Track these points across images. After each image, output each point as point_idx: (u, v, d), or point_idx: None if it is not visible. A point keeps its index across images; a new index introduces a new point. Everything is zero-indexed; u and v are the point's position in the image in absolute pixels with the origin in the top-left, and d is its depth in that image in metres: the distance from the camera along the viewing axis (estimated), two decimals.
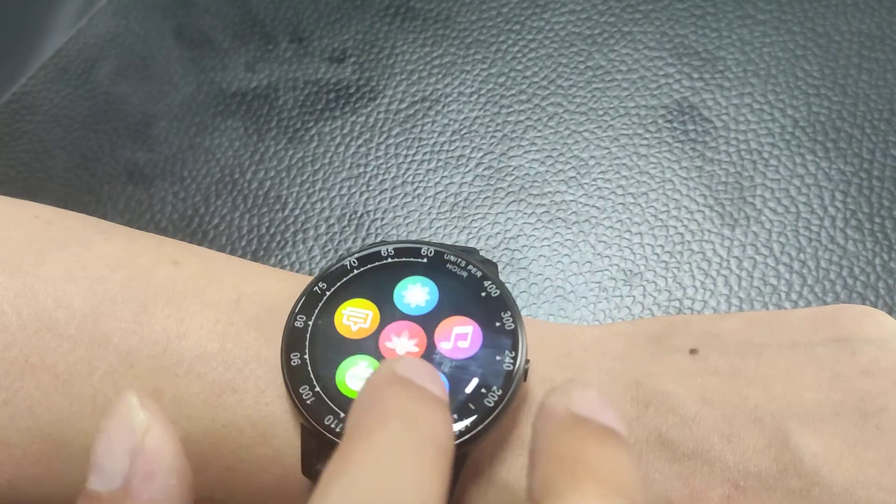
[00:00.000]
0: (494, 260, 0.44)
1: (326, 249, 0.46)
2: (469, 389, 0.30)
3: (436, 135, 0.49)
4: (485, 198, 0.47)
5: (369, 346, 0.31)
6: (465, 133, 0.49)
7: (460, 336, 0.31)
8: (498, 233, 0.46)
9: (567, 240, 0.46)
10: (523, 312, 0.39)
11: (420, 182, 0.48)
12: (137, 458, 0.24)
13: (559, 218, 0.46)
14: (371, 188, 0.48)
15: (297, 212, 0.47)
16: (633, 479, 0.22)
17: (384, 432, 0.22)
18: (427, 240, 0.44)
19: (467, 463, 0.30)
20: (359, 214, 0.47)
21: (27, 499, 0.32)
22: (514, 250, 0.46)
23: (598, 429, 0.23)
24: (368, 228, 0.47)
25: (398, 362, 0.24)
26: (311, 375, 0.30)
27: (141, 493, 0.24)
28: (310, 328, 0.31)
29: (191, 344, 0.31)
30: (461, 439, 0.29)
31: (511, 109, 0.50)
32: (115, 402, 0.25)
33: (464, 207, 0.47)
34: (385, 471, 0.21)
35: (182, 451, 0.25)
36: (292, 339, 0.31)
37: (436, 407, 0.24)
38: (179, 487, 0.25)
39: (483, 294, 0.31)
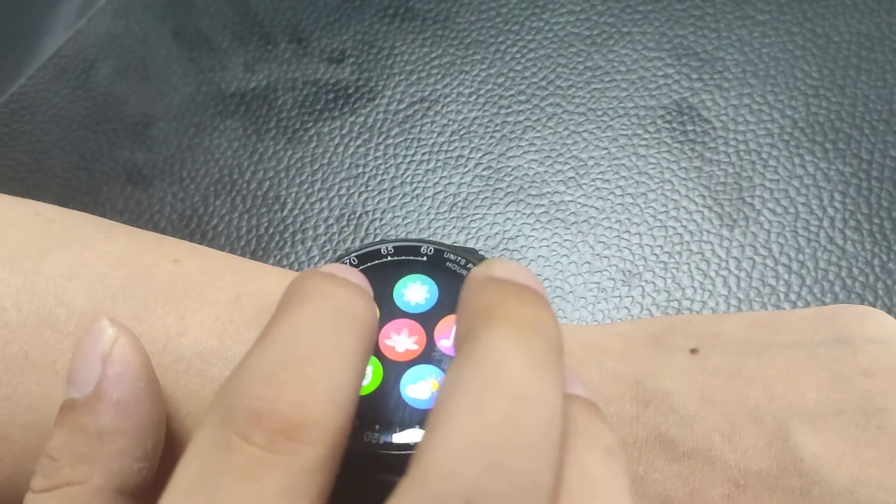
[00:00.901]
0: None
1: (325, 250, 0.46)
2: None
3: (435, 135, 0.49)
4: (484, 198, 0.47)
5: None
6: (464, 133, 0.49)
7: (444, 334, 0.31)
8: (497, 233, 0.46)
9: (566, 240, 0.46)
10: None
11: (419, 182, 0.48)
12: (106, 363, 0.27)
13: (558, 218, 0.46)
14: (370, 188, 0.48)
15: (296, 212, 0.47)
16: (549, 321, 0.23)
17: (303, 304, 0.23)
18: (427, 238, 0.44)
19: None
20: (358, 215, 0.47)
21: (25, 494, 0.32)
22: (513, 251, 0.46)
23: (516, 285, 0.24)
24: (367, 229, 0.47)
25: (320, 266, 0.26)
26: None
27: (111, 394, 0.27)
28: None
29: (191, 341, 0.31)
30: None
31: (510, 110, 0.50)
32: (93, 321, 0.28)
33: (462, 208, 0.47)
34: (302, 328, 0.23)
35: (149, 361, 0.28)
36: None
37: (352, 288, 0.24)
38: (147, 390, 0.27)
39: None
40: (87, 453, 0.26)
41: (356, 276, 0.25)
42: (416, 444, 0.28)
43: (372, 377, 0.30)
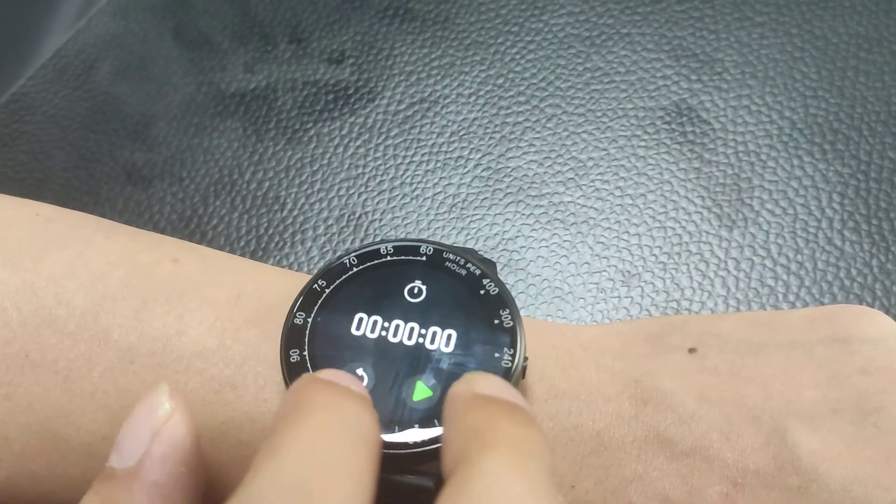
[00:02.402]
0: (493, 260, 0.44)
1: (325, 250, 0.46)
2: None
3: (434, 136, 0.50)
4: (483, 199, 0.47)
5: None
6: (464, 134, 0.49)
7: (444, 338, 0.31)
8: (496, 234, 0.46)
9: (565, 241, 0.46)
10: (521, 313, 0.39)
11: (418, 183, 0.48)
12: (154, 441, 0.26)
13: (557, 219, 0.46)
14: (369, 189, 0.48)
15: (295, 212, 0.47)
16: (541, 444, 0.23)
17: (310, 420, 0.23)
18: (426, 238, 0.44)
19: None
20: (357, 215, 0.47)
21: (26, 494, 0.32)
22: (513, 251, 0.46)
23: (504, 403, 0.24)
24: (367, 229, 0.47)
25: (320, 372, 0.26)
26: (311, 372, 0.30)
27: (150, 475, 0.26)
28: (309, 325, 0.31)
29: (190, 340, 0.31)
30: None
31: (509, 111, 0.50)
32: (150, 390, 0.27)
33: (462, 208, 0.47)
34: (312, 451, 0.22)
35: (198, 446, 0.27)
36: (292, 336, 0.31)
37: (358, 401, 0.24)
38: (188, 477, 0.26)
39: (482, 292, 0.31)
40: None
41: (358, 386, 0.25)
42: (414, 443, 0.28)
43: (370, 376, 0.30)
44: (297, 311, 0.31)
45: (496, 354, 0.30)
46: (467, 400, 0.24)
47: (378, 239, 0.46)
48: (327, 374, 0.25)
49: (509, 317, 0.31)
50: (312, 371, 0.30)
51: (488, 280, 0.32)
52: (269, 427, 0.24)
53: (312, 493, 0.21)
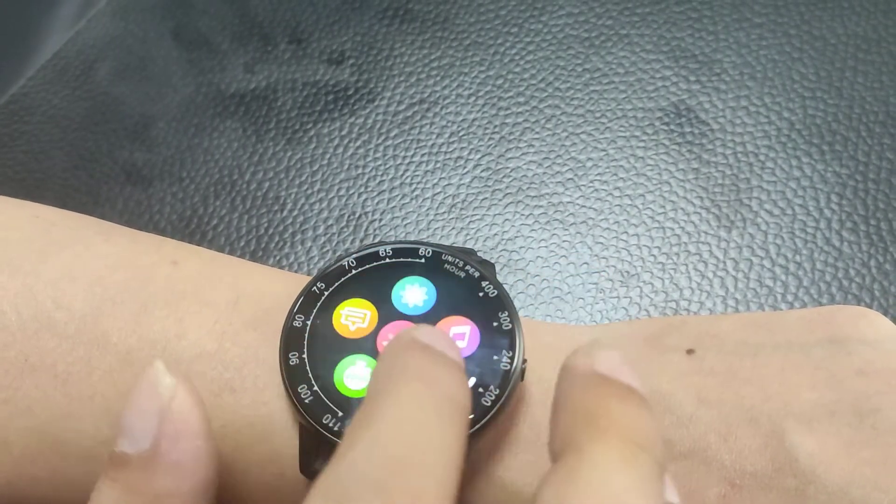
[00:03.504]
0: (492, 261, 0.44)
1: (325, 250, 0.46)
2: None
3: (434, 136, 0.50)
4: (482, 199, 0.47)
5: (367, 345, 0.31)
6: (463, 135, 0.49)
7: (458, 336, 0.31)
8: (495, 234, 0.46)
9: (564, 241, 0.46)
10: (521, 313, 0.39)
11: (418, 183, 0.48)
12: (165, 420, 0.25)
13: (556, 219, 0.46)
14: (369, 189, 0.48)
15: (295, 213, 0.47)
16: (654, 435, 0.23)
17: (406, 390, 0.23)
18: (425, 240, 0.44)
19: (465, 463, 0.30)
20: (357, 215, 0.47)
21: (25, 498, 0.32)
22: (512, 251, 0.46)
23: (620, 386, 0.23)
24: (367, 229, 0.47)
25: (417, 329, 0.25)
26: (310, 375, 0.30)
27: (169, 454, 0.25)
28: (308, 328, 0.31)
29: (189, 343, 0.31)
30: None
31: (509, 111, 0.50)
32: (145, 369, 0.26)
33: (462, 209, 0.47)
34: (407, 425, 0.22)
35: (206, 415, 0.26)
36: (291, 339, 0.31)
37: (454, 370, 0.24)
38: (205, 449, 0.26)
39: (481, 294, 0.32)
40: None
41: (453, 349, 0.25)
42: None
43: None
44: (296, 313, 0.31)
45: (495, 357, 0.30)
46: (584, 376, 0.24)
47: (378, 239, 0.46)
48: (425, 334, 0.24)
49: (508, 319, 0.31)
50: (311, 373, 0.30)
51: (487, 282, 0.32)
52: (368, 388, 0.24)
53: (408, 468, 0.21)
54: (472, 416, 0.29)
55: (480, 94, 0.51)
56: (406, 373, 0.23)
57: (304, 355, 0.30)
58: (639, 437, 0.22)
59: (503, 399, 0.29)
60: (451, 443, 0.22)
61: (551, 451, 0.23)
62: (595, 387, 0.23)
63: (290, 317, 0.31)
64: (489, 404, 0.29)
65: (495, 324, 0.31)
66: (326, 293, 0.32)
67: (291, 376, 0.30)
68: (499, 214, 0.47)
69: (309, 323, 0.31)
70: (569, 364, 0.24)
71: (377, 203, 0.48)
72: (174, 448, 0.25)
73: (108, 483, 0.26)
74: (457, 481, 0.22)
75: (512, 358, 0.30)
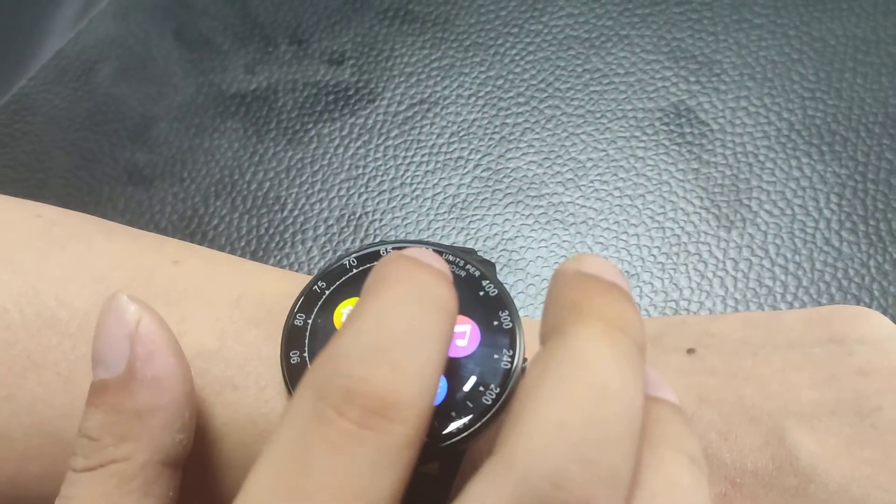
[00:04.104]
0: (492, 261, 0.44)
1: (325, 250, 0.46)
2: (467, 387, 0.30)
3: (434, 137, 0.50)
4: (483, 199, 0.47)
5: None
6: (464, 135, 0.50)
7: (458, 335, 0.31)
8: (496, 234, 0.46)
9: (564, 241, 0.46)
10: (521, 313, 0.39)
11: (418, 184, 0.48)
12: (135, 342, 0.27)
13: (557, 219, 0.47)
14: (370, 189, 0.48)
15: (296, 213, 0.48)
16: (635, 321, 0.24)
17: (391, 290, 0.24)
18: (426, 240, 0.44)
19: (465, 460, 0.30)
20: (357, 215, 0.47)
21: (28, 495, 0.32)
22: (512, 251, 0.46)
23: (605, 282, 0.25)
24: (367, 229, 0.47)
25: (406, 249, 0.26)
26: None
27: (145, 372, 0.27)
28: (309, 326, 0.31)
29: (191, 342, 0.31)
30: (459, 437, 0.29)
31: (509, 112, 0.50)
32: (108, 300, 0.28)
33: (462, 209, 0.47)
34: (389, 316, 0.23)
35: (172, 334, 0.28)
36: (292, 338, 0.31)
37: (439, 277, 0.25)
38: (178, 365, 0.28)
39: (481, 293, 0.32)
40: (129, 431, 0.27)
41: (440, 263, 0.26)
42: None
43: None
44: (298, 312, 0.31)
45: (495, 356, 0.30)
46: (571, 276, 0.25)
47: (378, 239, 0.47)
48: (412, 251, 0.26)
49: (508, 318, 0.31)
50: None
51: (487, 281, 0.32)
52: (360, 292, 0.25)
53: (389, 352, 0.22)
54: (472, 415, 0.29)
55: (481, 94, 0.51)
56: (392, 277, 0.24)
57: (306, 354, 0.30)
58: (619, 321, 0.23)
59: (504, 398, 0.29)
60: (434, 331, 0.24)
61: (541, 339, 0.25)
62: (580, 282, 0.25)
63: (292, 316, 0.31)
64: (489, 403, 0.29)
65: (496, 323, 0.31)
66: (328, 292, 0.32)
67: (293, 374, 0.30)
68: (499, 214, 0.47)
69: (310, 322, 0.31)
70: (559, 269, 0.26)
71: (377, 203, 0.48)
72: (149, 366, 0.27)
73: (91, 409, 0.27)
74: (439, 369, 0.23)
75: (513, 357, 0.30)
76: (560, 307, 0.24)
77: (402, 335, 0.23)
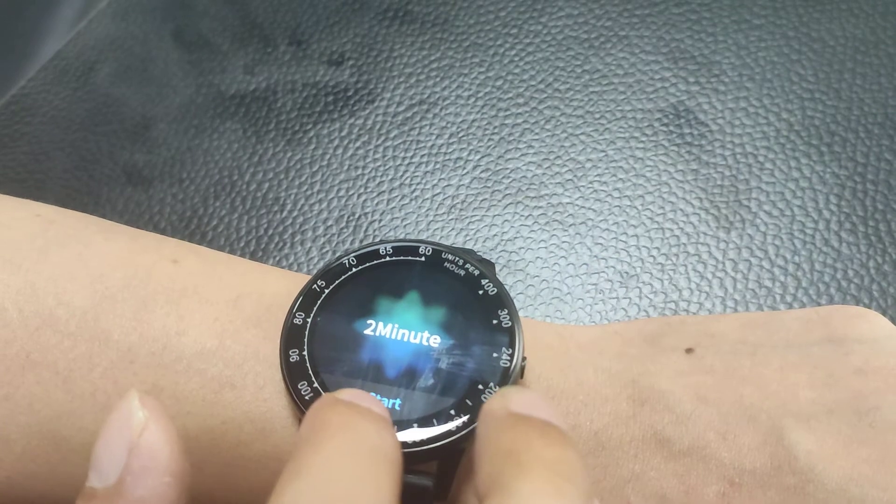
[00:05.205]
0: (492, 261, 0.44)
1: (324, 251, 0.46)
2: (466, 386, 0.30)
3: (433, 137, 0.50)
4: (482, 200, 0.47)
5: None
6: (463, 136, 0.50)
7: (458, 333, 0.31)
8: (495, 235, 0.46)
9: (564, 242, 0.46)
10: (520, 314, 0.39)
11: (418, 184, 0.48)
12: (132, 455, 0.25)
13: (556, 220, 0.47)
14: (369, 190, 0.48)
15: (295, 213, 0.48)
16: (578, 466, 0.23)
17: (333, 441, 0.23)
18: (426, 239, 0.44)
19: (463, 460, 0.30)
20: (357, 216, 0.47)
21: (26, 494, 0.32)
22: (511, 252, 0.46)
23: (539, 423, 0.23)
24: (366, 230, 0.47)
25: (339, 392, 0.25)
26: (310, 372, 0.30)
27: (133, 490, 0.24)
28: (308, 325, 0.31)
29: (190, 341, 0.31)
30: (458, 435, 0.29)
31: (508, 112, 0.50)
32: (118, 400, 0.25)
33: (461, 210, 0.47)
34: (335, 473, 0.22)
35: (181, 451, 0.25)
36: (291, 336, 0.31)
37: (380, 422, 0.24)
38: (174, 487, 0.25)
39: (480, 292, 0.32)
40: None
41: (379, 407, 0.25)
42: (413, 442, 0.28)
43: None
44: (297, 311, 0.31)
45: (494, 354, 0.30)
46: (502, 418, 0.24)
47: (377, 240, 0.47)
48: (348, 394, 0.25)
49: (507, 317, 0.31)
50: (312, 370, 0.30)
51: (487, 280, 0.32)
52: (291, 449, 0.24)
53: None
54: (471, 414, 0.29)
55: (480, 95, 0.51)
56: (331, 426, 0.23)
57: (305, 352, 0.30)
58: (563, 470, 0.22)
59: None
60: (379, 489, 0.22)
61: (477, 493, 0.23)
62: (513, 426, 0.23)
63: (291, 314, 0.31)
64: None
65: (495, 321, 0.31)
66: (327, 291, 0.32)
67: (292, 373, 0.30)
68: (498, 215, 0.47)
69: (309, 320, 0.31)
70: (485, 408, 0.24)
71: (377, 204, 0.48)
72: (139, 484, 0.25)
73: None
74: None
75: (512, 355, 0.30)
76: (495, 456, 0.23)
77: (347, 498, 0.22)
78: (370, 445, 0.23)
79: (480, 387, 0.30)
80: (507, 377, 0.30)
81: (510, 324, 0.31)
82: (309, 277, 0.33)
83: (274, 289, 0.33)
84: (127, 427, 0.25)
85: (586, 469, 0.23)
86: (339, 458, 0.22)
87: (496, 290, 0.32)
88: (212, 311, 0.32)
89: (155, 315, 0.32)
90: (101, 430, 0.25)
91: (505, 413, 0.24)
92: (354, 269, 0.32)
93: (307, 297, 0.32)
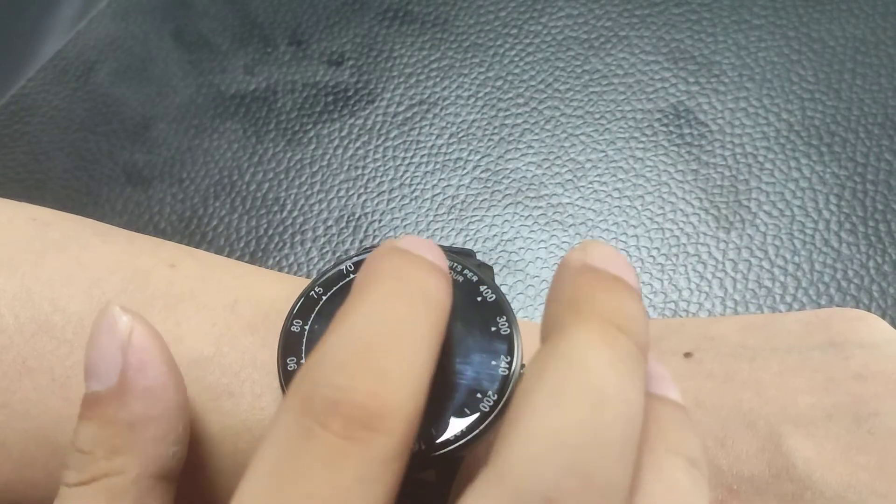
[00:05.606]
0: (491, 262, 0.44)
1: (324, 251, 0.46)
2: (464, 394, 0.30)
3: (433, 137, 0.50)
4: (482, 200, 0.47)
5: None
6: (463, 136, 0.49)
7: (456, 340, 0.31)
8: (495, 235, 0.46)
9: (563, 242, 0.46)
10: (520, 315, 0.39)
11: (418, 184, 0.48)
12: (128, 353, 0.27)
13: (556, 220, 0.46)
14: (369, 190, 0.48)
15: (295, 214, 0.48)
16: (637, 319, 0.23)
17: (381, 287, 0.23)
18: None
19: (463, 467, 0.30)
20: (357, 216, 0.47)
21: (23, 500, 0.32)
22: (511, 252, 0.46)
23: (608, 276, 0.24)
24: (366, 230, 0.47)
25: (399, 238, 0.26)
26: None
27: (137, 382, 0.26)
28: (306, 333, 0.31)
29: (187, 348, 0.31)
30: (456, 444, 0.29)
31: (508, 113, 0.50)
32: (98, 314, 0.27)
33: (461, 210, 0.47)
34: (376, 315, 0.23)
35: (165, 345, 0.28)
36: (288, 344, 0.31)
37: (431, 270, 0.24)
38: (170, 374, 0.27)
39: (479, 298, 0.31)
40: (122, 444, 0.26)
41: (433, 253, 0.25)
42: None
43: None
44: (294, 318, 0.31)
45: (493, 362, 0.30)
46: (576, 269, 0.24)
47: (377, 241, 0.46)
48: (405, 242, 0.25)
49: (506, 324, 0.31)
50: None
51: (485, 287, 0.32)
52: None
53: (374, 357, 0.22)
54: (471, 421, 0.29)
55: (480, 95, 0.51)
56: (381, 273, 0.24)
57: (303, 360, 0.30)
58: (619, 321, 0.23)
59: (502, 404, 0.29)
60: (421, 332, 0.23)
61: (541, 337, 0.24)
62: (585, 277, 0.24)
63: (288, 322, 0.31)
64: (487, 409, 0.29)
65: (493, 328, 0.31)
66: (324, 298, 0.32)
67: (289, 382, 0.30)
68: (498, 215, 0.47)
69: (307, 328, 0.31)
70: (564, 259, 0.25)
71: (377, 204, 0.48)
72: (142, 377, 0.27)
73: (83, 422, 0.27)
74: (427, 373, 0.23)
75: (510, 363, 0.30)
76: (560, 303, 0.24)
77: (388, 338, 0.22)
78: (417, 291, 0.24)
79: (479, 395, 0.30)
80: (507, 385, 0.30)
81: (509, 331, 0.31)
82: (306, 281, 0.33)
83: (272, 293, 0.33)
84: (116, 330, 0.27)
85: (646, 326, 0.23)
86: (384, 303, 0.23)
87: (494, 296, 0.32)
88: (209, 316, 0.32)
89: (152, 320, 0.32)
90: (90, 341, 0.27)
91: (580, 264, 0.24)
92: (352, 276, 0.32)
93: (305, 305, 0.32)
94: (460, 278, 0.32)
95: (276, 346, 0.31)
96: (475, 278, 0.32)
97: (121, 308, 0.27)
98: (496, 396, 0.30)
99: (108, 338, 0.27)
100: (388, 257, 0.24)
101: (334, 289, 0.32)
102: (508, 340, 0.31)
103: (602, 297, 0.23)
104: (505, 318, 0.31)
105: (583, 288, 0.24)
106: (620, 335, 0.22)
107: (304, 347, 0.31)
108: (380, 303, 0.23)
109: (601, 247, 0.25)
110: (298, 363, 0.30)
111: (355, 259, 0.33)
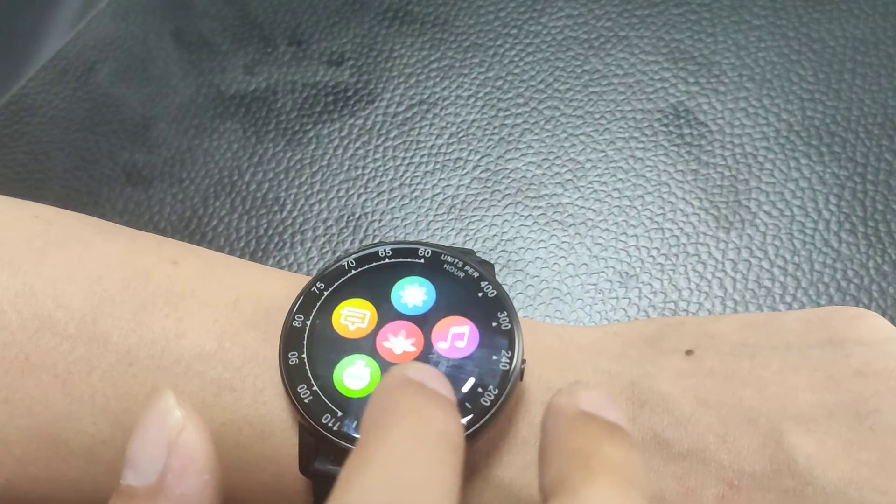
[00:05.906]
0: (491, 262, 0.44)
1: (324, 251, 0.46)
2: (466, 389, 0.30)
3: (433, 137, 0.50)
4: (482, 200, 0.47)
5: (367, 345, 0.31)
6: (463, 136, 0.50)
7: (457, 336, 0.31)
8: (495, 235, 0.46)
9: (563, 242, 0.46)
10: (520, 314, 0.39)
11: (417, 184, 0.48)
12: (172, 454, 0.25)
13: (556, 220, 0.47)
14: (369, 190, 0.48)
15: (295, 214, 0.48)
16: (642, 470, 0.23)
17: (399, 430, 0.23)
18: (425, 241, 0.44)
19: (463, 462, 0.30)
20: (357, 216, 0.47)
21: (25, 497, 0.32)
22: (511, 252, 0.46)
23: (607, 424, 0.24)
24: (366, 230, 0.47)
25: (409, 367, 0.25)
26: (309, 374, 0.30)
27: (175, 488, 0.25)
28: (308, 328, 0.31)
29: (189, 343, 0.31)
30: None
31: (508, 113, 0.50)
32: (152, 399, 0.25)
33: (461, 210, 0.47)
34: (402, 465, 0.22)
35: (214, 450, 0.26)
36: (290, 339, 0.31)
37: (447, 408, 0.24)
38: (211, 484, 0.25)
39: (480, 294, 0.32)
40: None
41: (445, 386, 0.25)
42: None
43: (370, 380, 0.30)
44: (296, 313, 0.31)
45: (494, 357, 0.30)
46: (571, 416, 0.24)
47: (377, 240, 0.47)
48: (416, 372, 0.24)
49: (507, 319, 0.31)
50: (311, 373, 0.30)
51: (486, 282, 0.32)
52: (361, 426, 0.24)
53: None
54: (471, 416, 0.29)
55: (480, 95, 0.51)
56: (398, 411, 0.23)
57: (304, 355, 0.30)
58: (630, 475, 0.23)
59: (502, 399, 0.30)
60: (447, 481, 0.22)
61: (542, 489, 0.24)
62: (582, 426, 0.24)
63: (290, 317, 0.31)
64: (488, 404, 0.29)
65: (494, 324, 0.31)
66: (326, 293, 0.32)
67: (291, 376, 0.30)
68: (498, 215, 0.47)
69: (308, 323, 0.31)
70: (554, 403, 0.25)
71: (377, 204, 0.48)
72: (180, 482, 0.25)
73: None
74: None
75: (511, 358, 0.30)
76: (564, 455, 0.23)
77: (418, 492, 0.21)
78: (437, 432, 0.23)
79: (480, 390, 0.30)
80: (507, 380, 0.30)
81: (510, 326, 0.31)
82: (308, 279, 0.33)
83: (273, 290, 0.33)
84: (165, 426, 0.25)
85: (646, 473, 0.23)
86: (405, 451, 0.22)
87: (495, 292, 0.32)
88: (211, 313, 0.32)
89: (154, 317, 0.32)
90: (136, 429, 0.25)
91: (574, 411, 0.24)
92: (354, 272, 0.32)
93: (306, 300, 0.32)
94: (461, 274, 0.32)
95: (278, 342, 0.31)
96: (476, 274, 0.32)
97: (175, 401, 0.26)
98: (497, 391, 0.30)
99: (156, 431, 0.25)
100: (401, 391, 0.24)
101: (336, 284, 0.32)
102: (509, 336, 0.31)
103: (608, 451, 0.23)
104: (506, 313, 0.31)
105: (585, 439, 0.23)
106: (632, 490, 0.22)
107: (305, 342, 0.31)
108: (403, 449, 0.22)
109: (589, 391, 0.25)
110: (300, 357, 0.30)
111: (356, 255, 0.33)
